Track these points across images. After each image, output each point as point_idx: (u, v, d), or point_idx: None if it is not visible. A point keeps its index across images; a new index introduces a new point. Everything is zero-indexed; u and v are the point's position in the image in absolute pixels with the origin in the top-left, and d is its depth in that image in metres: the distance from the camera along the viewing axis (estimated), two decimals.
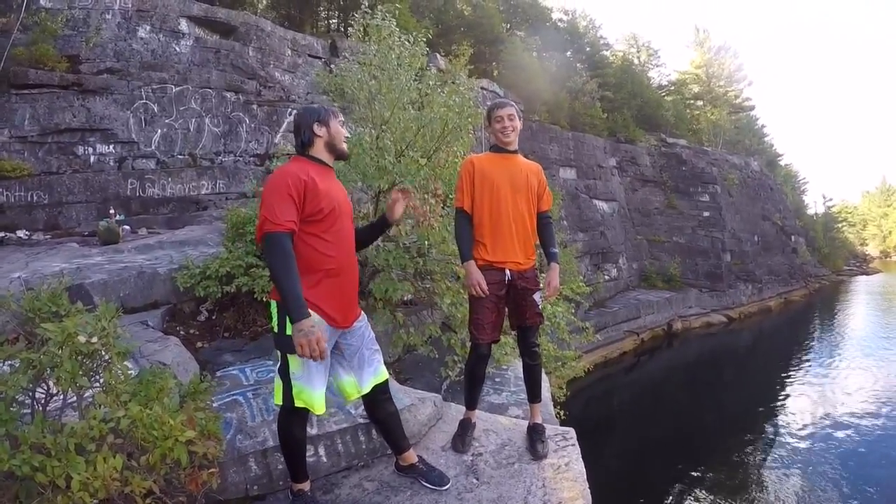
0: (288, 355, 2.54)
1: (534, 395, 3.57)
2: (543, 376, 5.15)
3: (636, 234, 27.38)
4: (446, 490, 2.96)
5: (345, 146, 2.84)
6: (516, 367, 5.34)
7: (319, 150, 2.75)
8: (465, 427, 3.48)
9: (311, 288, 2.55)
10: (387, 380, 2.92)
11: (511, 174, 3.32)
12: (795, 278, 34.63)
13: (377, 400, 2.90)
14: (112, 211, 8.38)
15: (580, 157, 24.43)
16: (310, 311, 2.38)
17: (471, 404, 3.53)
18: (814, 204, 53.12)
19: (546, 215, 3.46)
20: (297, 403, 2.58)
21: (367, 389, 2.80)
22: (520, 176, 3.33)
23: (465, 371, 3.52)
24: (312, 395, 2.58)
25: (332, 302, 2.63)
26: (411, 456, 3.07)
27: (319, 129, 2.73)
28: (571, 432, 3.67)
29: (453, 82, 5.77)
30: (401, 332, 4.88)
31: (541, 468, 3.20)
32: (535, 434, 3.44)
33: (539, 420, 3.55)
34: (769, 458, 11.92)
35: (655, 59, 43.13)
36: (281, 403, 2.64)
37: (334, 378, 2.82)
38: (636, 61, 40.82)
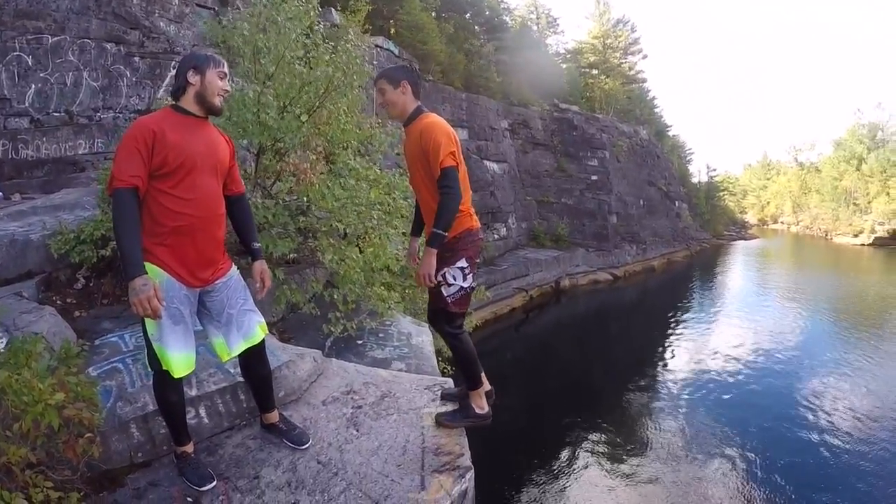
0: (144, 318, 2.41)
1: (463, 376, 3.31)
2: (427, 331, 5.28)
3: (526, 195, 28.09)
4: (305, 448, 2.98)
5: (217, 101, 2.62)
6: (400, 322, 5.47)
7: (189, 100, 2.59)
8: None
9: (159, 245, 2.48)
10: (262, 342, 2.84)
11: (410, 147, 3.11)
12: (678, 240, 36.97)
13: (250, 363, 2.88)
14: None
15: (473, 119, 24.67)
16: (143, 269, 2.29)
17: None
18: (698, 173, 56.21)
19: (438, 182, 2.93)
20: (164, 366, 2.52)
21: (236, 352, 2.74)
22: (412, 147, 3.07)
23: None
24: (169, 357, 2.51)
25: (181, 260, 2.53)
26: (274, 416, 3.08)
27: (193, 77, 2.57)
28: (450, 382, 3.82)
29: (342, 39, 5.64)
30: (284, 290, 4.84)
31: (420, 418, 3.32)
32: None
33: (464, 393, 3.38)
34: (653, 406, 12.74)
35: (554, 27, 43.98)
36: (151, 368, 2.60)
37: (209, 337, 2.78)
38: (535, 27, 41.37)
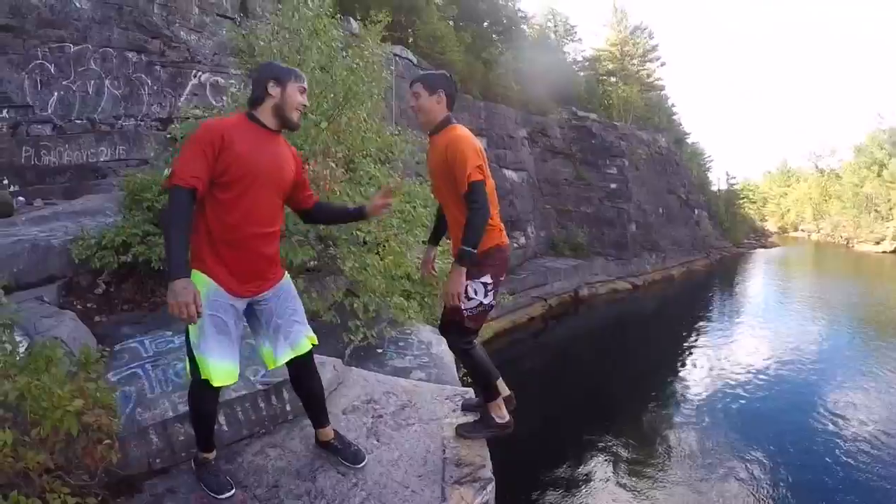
0: (189, 325, 2.41)
1: (479, 389, 3.30)
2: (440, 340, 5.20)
3: (545, 204, 27.92)
4: (362, 467, 2.89)
5: (295, 115, 2.60)
6: (420, 331, 5.44)
7: (265, 111, 2.56)
8: None
9: (211, 255, 2.47)
10: (309, 353, 2.80)
11: (433, 157, 3.05)
12: (697, 249, 36.52)
13: (299, 375, 2.85)
14: (6, 181, 7.86)
15: (491, 127, 24.61)
16: (186, 272, 2.27)
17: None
18: (717, 181, 55.39)
19: (466, 197, 2.82)
20: (203, 375, 2.49)
21: (282, 361, 2.71)
22: (436, 158, 3.01)
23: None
24: (210, 366, 2.47)
25: (231, 270, 2.51)
26: (328, 433, 3.00)
27: (274, 89, 2.54)
28: (470, 392, 3.76)
29: (359, 46, 5.65)
30: (303, 299, 4.82)
31: (440, 428, 3.28)
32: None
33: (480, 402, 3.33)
34: (673, 418, 12.56)
35: (572, 35, 43.93)
36: (191, 376, 2.58)
37: (256, 344, 2.79)
38: (553, 35, 41.38)
